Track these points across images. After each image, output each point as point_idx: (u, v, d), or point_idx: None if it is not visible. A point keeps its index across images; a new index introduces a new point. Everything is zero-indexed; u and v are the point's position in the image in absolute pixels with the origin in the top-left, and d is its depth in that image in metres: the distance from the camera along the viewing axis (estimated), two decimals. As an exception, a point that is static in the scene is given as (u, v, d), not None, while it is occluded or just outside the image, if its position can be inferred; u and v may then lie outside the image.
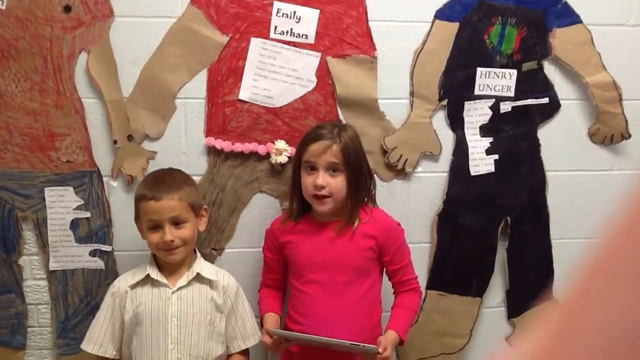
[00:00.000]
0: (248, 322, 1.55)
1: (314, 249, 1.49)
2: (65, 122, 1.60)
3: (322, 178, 1.43)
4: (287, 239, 1.52)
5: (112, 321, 1.46)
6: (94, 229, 1.67)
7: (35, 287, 1.70)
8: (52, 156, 1.61)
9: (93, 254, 1.68)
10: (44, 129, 1.60)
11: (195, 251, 1.54)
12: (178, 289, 1.45)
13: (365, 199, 1.54)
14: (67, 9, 1.55)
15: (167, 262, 1.46)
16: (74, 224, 1.66)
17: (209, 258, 1.70)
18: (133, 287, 1.45)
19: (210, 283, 1.48)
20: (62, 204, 1.64)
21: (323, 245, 1.48)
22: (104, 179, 1.65)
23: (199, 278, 1.47)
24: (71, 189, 1.64)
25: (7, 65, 1.56)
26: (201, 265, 1.49)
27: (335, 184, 1.44)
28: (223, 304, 1.49)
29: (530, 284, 1.81)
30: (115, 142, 1.62)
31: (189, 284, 1.46)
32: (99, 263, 1.68)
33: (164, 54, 1.60)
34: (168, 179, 1.48)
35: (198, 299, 1.46)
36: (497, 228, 1.78)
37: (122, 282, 1.47)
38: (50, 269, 1.67)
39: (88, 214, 1.66)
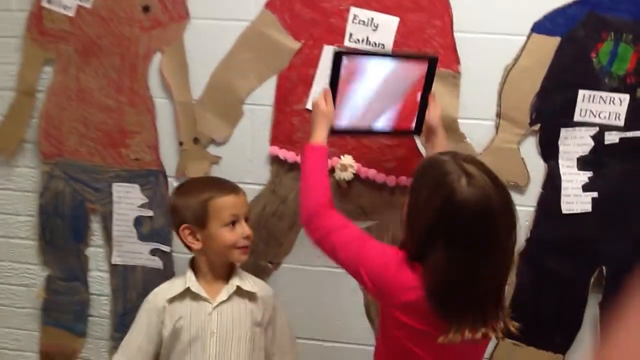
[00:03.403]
0: (286, 336, 1.47)
1: None
2: (137, 120, 1.62)
3: None
4: None
5: (147, 337, 1.38)
6: (156, 228, 1.67)
7: (98, 279, 1.75)
8: (122, 152, 1.64)
9: (153, 252, 1.69)
10: (117, 126, 1.63)
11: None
12: (219, 304, 1.37)
13: None
14: (146, 9, 1.57)
15: (205, 274, 1.39)
16: (138, 221, 1.68)
17: (265, 271, 1.64)
18: (171, 301, 1.37)
19: (249, 296, 1.40)
20: (128, 200, 1.67)
21: None
22: (169, 179, 1.65)
23: (238, 291, 1.39)
24: (137, 186, 1.66)
25: (88, 61, 1.61)
26: (240, 277, 1.42)
27: None
28: (262, 318, 1.41)
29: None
30: (181, 143, 1.62)
31: (229, 298, 1.38)
32: (157, 262, 1.69)
33: (235, 58, 1.56)
34: (224, 180, 1.45)
35: (238, 315, 1.39)
36: (590, 278, 1.53)
37: (159, 297, 1.39)
38: (113, 262, 1.71)
39: (151, 213, 1.67)
